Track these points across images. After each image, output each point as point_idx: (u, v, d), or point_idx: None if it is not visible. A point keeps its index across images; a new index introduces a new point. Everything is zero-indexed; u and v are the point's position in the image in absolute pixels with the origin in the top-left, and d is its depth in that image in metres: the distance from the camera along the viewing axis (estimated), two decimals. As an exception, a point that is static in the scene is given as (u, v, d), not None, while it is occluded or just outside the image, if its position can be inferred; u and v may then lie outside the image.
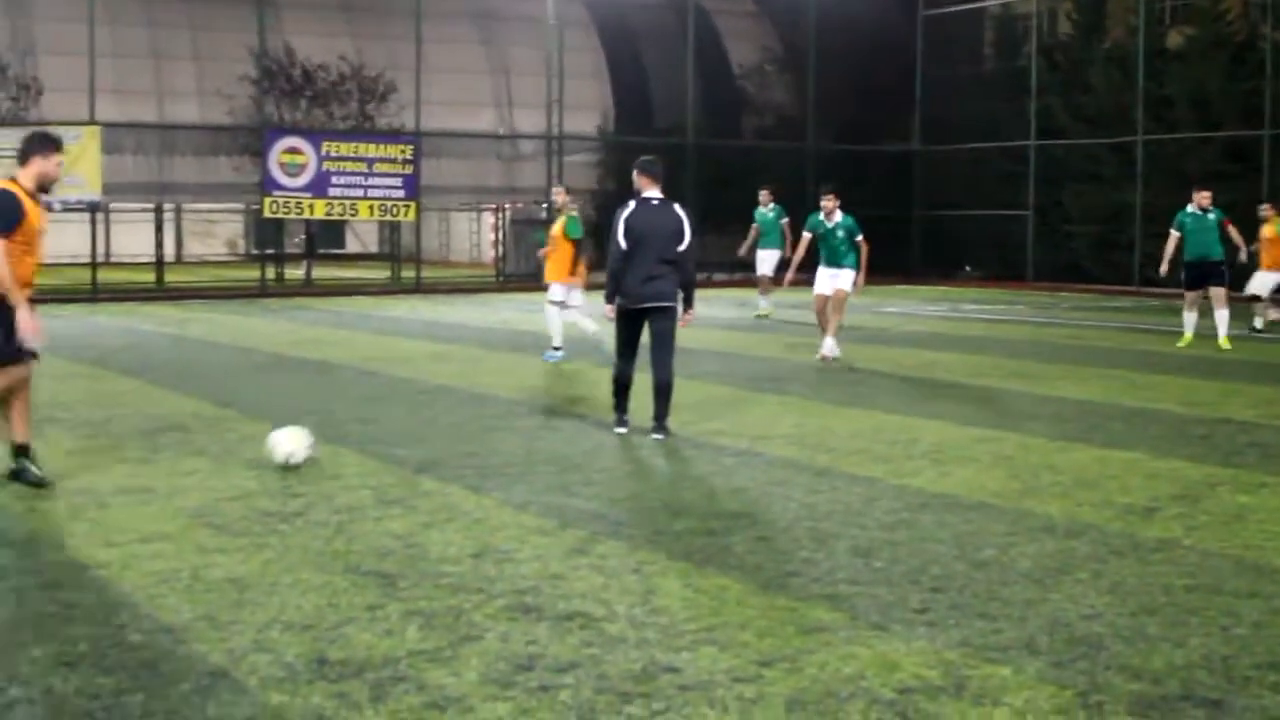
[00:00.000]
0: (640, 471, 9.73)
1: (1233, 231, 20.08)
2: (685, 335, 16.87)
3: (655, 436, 10.87)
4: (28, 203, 8.61)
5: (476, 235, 51.36)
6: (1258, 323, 21.85)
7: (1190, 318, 19.36)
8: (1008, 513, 8.18)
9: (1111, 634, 5.82)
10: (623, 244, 10.81)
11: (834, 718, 4.84)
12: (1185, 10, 35.10)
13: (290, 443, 9.33)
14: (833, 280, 17.21)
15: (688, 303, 11.12)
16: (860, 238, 17.19)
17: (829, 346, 16.98)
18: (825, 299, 17.19)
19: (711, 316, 23.87)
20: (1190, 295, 19.39)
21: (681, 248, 10.85)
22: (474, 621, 5.96)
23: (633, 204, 10.98)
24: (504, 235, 37.03)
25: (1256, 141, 31.56)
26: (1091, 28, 36.97)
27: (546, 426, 11.54)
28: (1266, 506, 8.42)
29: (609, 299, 11.02)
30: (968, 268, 36.99)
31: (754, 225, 25.11)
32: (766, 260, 24.98)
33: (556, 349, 16.84)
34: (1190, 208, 19.32)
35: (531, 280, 30.02)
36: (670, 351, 11.01)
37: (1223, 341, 18.83)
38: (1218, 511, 8.27)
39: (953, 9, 38.74)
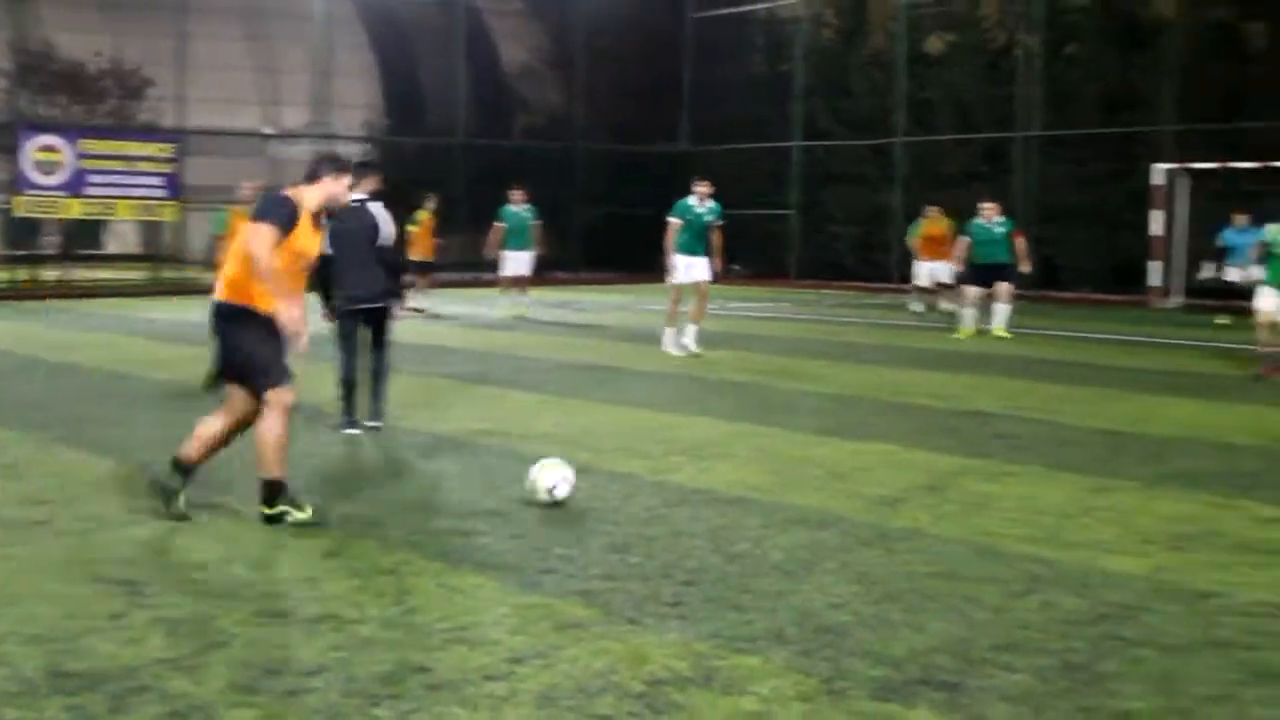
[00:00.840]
0: (398, 472, 9.64)
1: (1020, 244, 21.18)
2: (449, 335, 16.76)
3: (372, 424, 11.14)
4: (305, 219, 7.87)
5: (243, 235, 50.24)
6: (916, 307, 25.52)
7: (970, 313, 20.73)
8: (763, 506, 8.32)
9: (857, 622, 5.95)
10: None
11: (583, 712, 4.86)
12: (945, 17, 36.12)
13: (552, 475, 8.38)
14: (692, 270, 17.55)
15: (398, 297, 11.41)
16: (720, 224, 17.67)
17: (671, 339, 17.49)
18: (682, 289, 17.56)
19: (475, 316, 23.82)
20: (973, 292, 20.81)
21: (381, 243, 11.10)
22: (222, 628, 5.84)
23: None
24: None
25: (1009, 144, 32.69)
26: (854, 32, 37.84)
27: (304, 428, 11.33)
28: (1008, 494, 8.71)
29: (324, 303, 11.33)
30: (735, 266, 37.46)
31: (497, 224, 24.75)
32: (518, 260, 24.72)
33: None
34: (978, 219, 20.97)
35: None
36: (387, 347, 11.32)
37: (999, 330, 20.42)
38: (962, 500, 8.53)
39: (720, 12, 39.24)
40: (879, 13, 37.42)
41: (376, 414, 11.25)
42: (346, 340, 11.20)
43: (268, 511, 7.76)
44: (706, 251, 17.57)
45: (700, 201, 17.48)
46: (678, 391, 13.89)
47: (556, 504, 8.20)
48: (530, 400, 13.10)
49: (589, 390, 13.93)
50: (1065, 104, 32.23)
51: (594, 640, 5.65)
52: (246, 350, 7.76)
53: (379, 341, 11.28)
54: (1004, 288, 20.74)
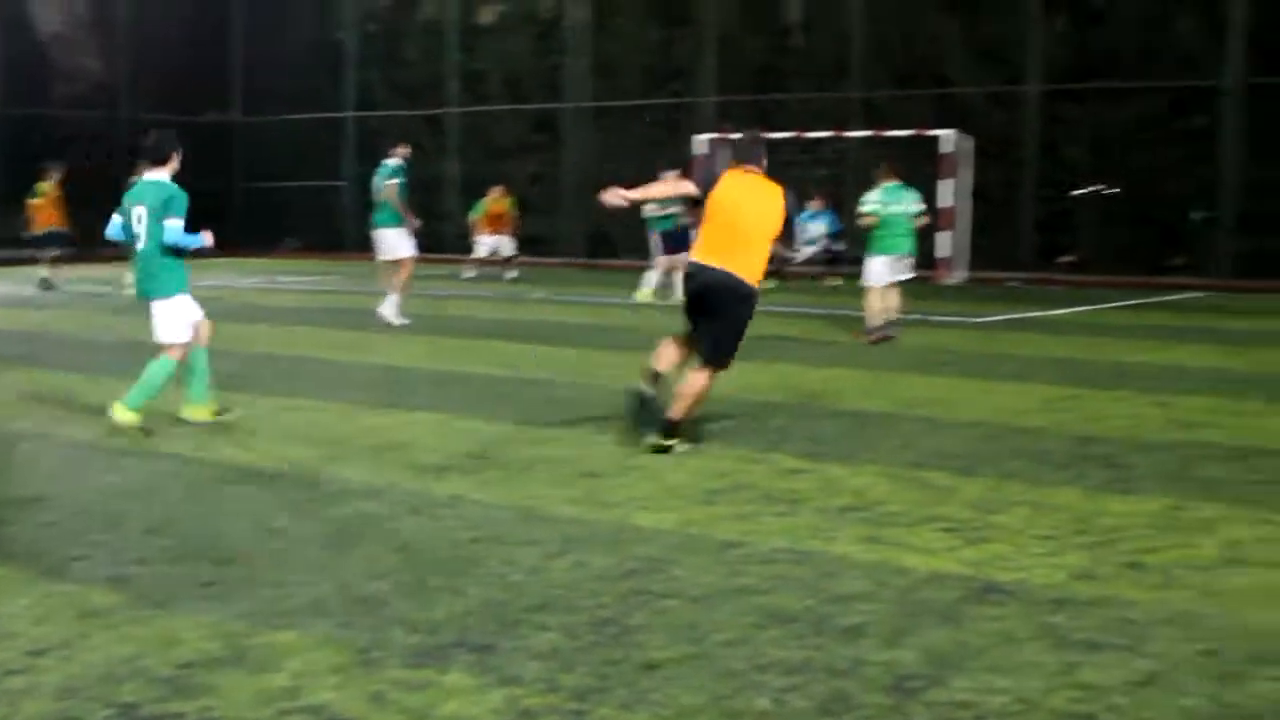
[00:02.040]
0: (-79, 462, 9.10)
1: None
2: None
3: None
4: None
5: None
6: (468, 274, 27.84)
7: (655, 276, 22.08)
8: (307, 480, 8.25)
9: (397, 591, 5.99)
10: None
11: (106, 701, 4.72)
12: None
13: None
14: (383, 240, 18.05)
15: None
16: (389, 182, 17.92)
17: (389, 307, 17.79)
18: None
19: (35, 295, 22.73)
20: (665, 260, 21.96)
21: None
22: None
23: None
24: None
25: (558, 114, 33.33)
26: (407, 1, 37.76)
27: None
28: (552, 458, 8.92)
29: None
30: (288, 239, 36.91)
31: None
32: None
33: None
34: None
35: None
36: None
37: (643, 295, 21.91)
38: (509, 466, 8.69)
39: (270, -21, 38.57)
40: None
41: None
42: None
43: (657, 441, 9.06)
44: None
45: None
46: (225, 368, 13.53)
47: None
48: (75, 381, 12.56)
49: (137, 368, 13.42)
50: (612, 75, 33.08)
51: (121, 627, 5.49)
52: (743, 330, 9.20)
53: None
54: (684, 258, 21.66)
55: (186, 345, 10.13)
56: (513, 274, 27.53)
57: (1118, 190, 28.84)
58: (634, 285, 22.62)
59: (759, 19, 32.45)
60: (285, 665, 5.07)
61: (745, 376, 12.90)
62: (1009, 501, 7.79)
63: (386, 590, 6.00)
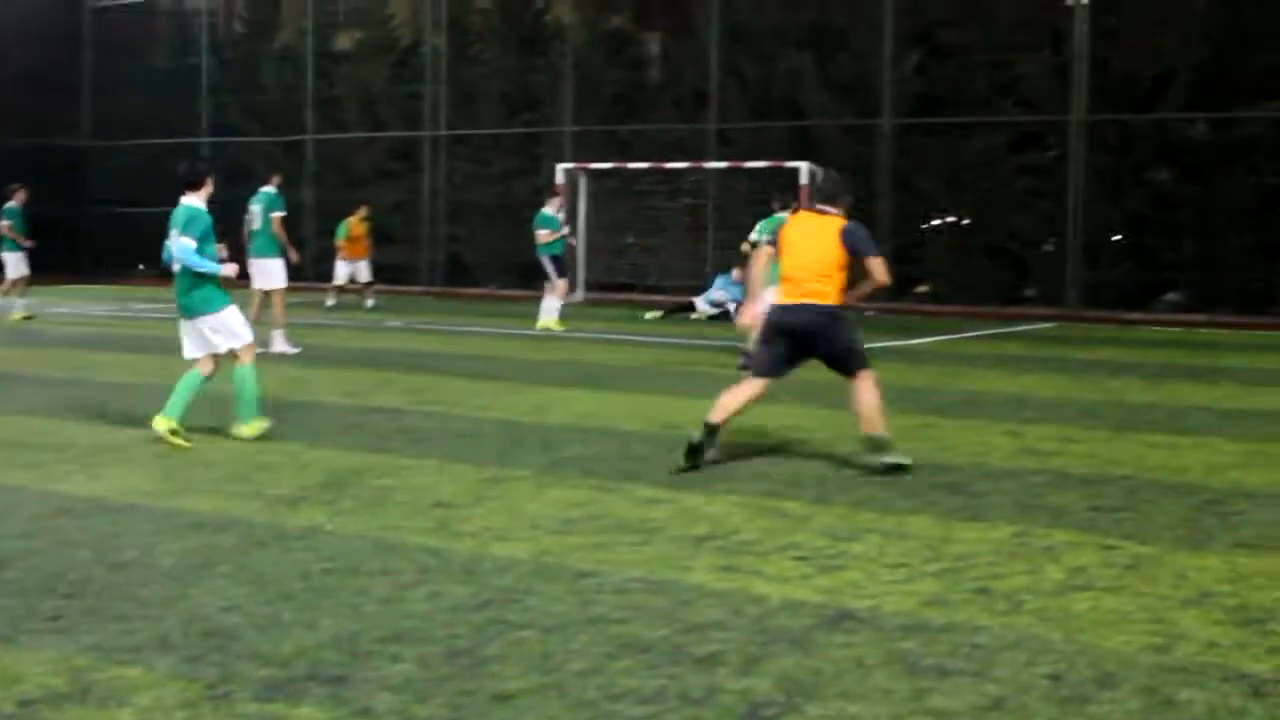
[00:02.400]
0: None
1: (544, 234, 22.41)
2: None
3: None
4: None
5: None
6: (330, 302, 27.01)
7: (558, 304, 22.14)
8: (156, 511, 8.11)
9: (248, 624, 5.90)
10: None
11: (-57, 740, 4.60)
12: (354, 14, 36.29)
13: None
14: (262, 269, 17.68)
15: None
16: (275, 214, 17.68)
17: (288, 339, 17.46)
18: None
19: None
20: (564, 285, 22.29)
21: None
22: None
23: None
24: None
25: (418, 142, 33.20)
26: (264, 27, 37.41)
27: None
28: (407, 487, 8.87)
29: None
30: (142, 265, 36.29)
31: (5, 222, 23.55)
32: (17, 261, 23.66)
33: None
34: (547, 210, 22.12)
35: None
36: None
37: (545, 325, 21.83)
38: (362, 496, 8.61)
39: (122, 1, 37.93)
40: (289, 7, 37.16)
41: None
42: None
43: (888, 461, 9.52)
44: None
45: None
46: (65, 396, 13.29)
47: None
48: (-93, 411, 12.24)
49: (-25, 398, 13.15)
50: (470, 104, 33.05)
51: (-39, 663, 5.36)
52: (849, 341, 9.75)
53: None
54: (559, 284, 22.15)
55: (253, 345, 10.80)
56: (371, 302, 27.09)
57: (969, 221, 29.40)
58: (494, 313, 22.57)
59: (619, 51, 32.64)
60: (132, 700, 4.96)
61: (605, 405, 12.96)
62: (862, 529, 7.89)
63: (237, 623, 5.91)
